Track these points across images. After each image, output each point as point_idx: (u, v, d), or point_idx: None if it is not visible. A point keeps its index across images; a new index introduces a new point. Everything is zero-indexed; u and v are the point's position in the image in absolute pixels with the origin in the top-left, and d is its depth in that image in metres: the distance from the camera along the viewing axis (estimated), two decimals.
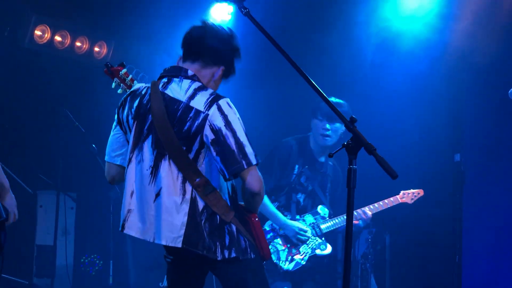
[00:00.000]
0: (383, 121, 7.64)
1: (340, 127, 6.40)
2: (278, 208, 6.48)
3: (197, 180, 3.68)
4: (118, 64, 4.48)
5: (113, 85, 4.50)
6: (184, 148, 3.70)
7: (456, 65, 7.38)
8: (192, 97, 3.73)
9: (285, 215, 6.47)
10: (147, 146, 3.79)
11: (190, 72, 3.83)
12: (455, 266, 7.18)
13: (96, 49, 8.39)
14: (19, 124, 7.74)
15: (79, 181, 8.52)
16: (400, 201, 6.79)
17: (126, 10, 7.99)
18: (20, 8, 7.60)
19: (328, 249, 6.59)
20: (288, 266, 6.42)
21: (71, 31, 8.08)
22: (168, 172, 3.72)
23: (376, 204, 6.65)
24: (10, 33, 7.59)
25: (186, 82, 3.79)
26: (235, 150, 3.63)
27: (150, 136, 3.79)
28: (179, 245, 3.68)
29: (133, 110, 3.86)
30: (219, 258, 3.73)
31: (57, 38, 7.98)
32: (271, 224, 6.48)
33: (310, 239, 6.50)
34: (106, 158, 4.07)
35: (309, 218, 6.59)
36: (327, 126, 6.39)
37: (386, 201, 6.73)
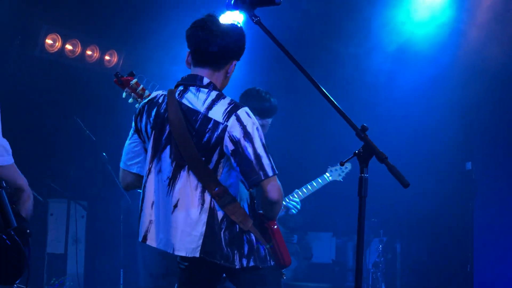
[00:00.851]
0: (394, 129, 7.62)
1: (270, 122, 6.11)
2: None
3: (216, 189, 3.67)
4: (127, 74, 4.45)
5: (124, 94, 4.48)
6: (204, 159, 3.69)
7: (467, 73, 7.36)
8: (210, 107, 3.69)
9: None
10: (165, 156, 3.77)
11: (205, 80, 3.78)
12: (467, 275, 7.15)
13: (107, 57, 8.41)
14: (30, 132, 7.76)
15: (89, 190, 8.53)
16: (329, 180, 6.30)
17: (137, 19, 8.02)
18: (31, 18, 7.63)
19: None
20: None
21: (82, 40, 8.11)
22: (187, 182, 3.70)
23: (304, 189, 6.17)
24: (21, 42, 7.62)
25: (204, 92, 3.75)
26: (253, 161, 3.61)
27: (168, 147, 3.76)
28: (197, 255, 3.67)
29: (151, 119, 3.83)
30: (237, 267, 3.71)
31: (68, 47, 8.02)
32: None
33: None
34: (122, 165, 4.03)
35: None
36: (259, 121, 6.01)
37: (314, 183, 6.25)
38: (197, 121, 3.68)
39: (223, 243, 3.67)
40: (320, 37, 8.09)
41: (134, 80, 4.41)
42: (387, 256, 7.57)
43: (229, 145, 3.64)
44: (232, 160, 3.65)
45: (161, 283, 7.52)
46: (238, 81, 7.30)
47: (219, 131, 3.65)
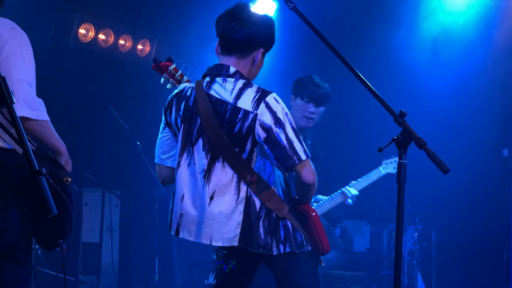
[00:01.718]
0: (432, 116, 7.54)
1: (323, 110, 6.07)
2: None
3: (249, 177, 3.67)
4: (166, 59, 4.43)
5: (162, 80, 4.46)
6: (237, 149, 3.68)
7: (504, 59, 7.26)
8: (238, 97, 3.69)
9: None
10: (198, 149, 3.76)
11: (232, 69, 3.78)
12: (504, 263, 7.07)
13: (139, 46, 8.42)
14: (64, 122, 7.78)
15: (123, 179, 8.57)
16: (384, 172, 6.32)
17: (169, 8, 8.01)
18: (64, 8, 7.67)
19: None
20: None
21: (115, 29, 8.13)
22: (222, 174, 3.70)
23: (361, 181, 6.24)
24: (55, 32, 7.66)
25: (230, 81, 3.74)
26: (287, 146, 3.62)
27: (201, 139, 3.76)
28: (236, 244, 3.68)
29: (181, 112, 3.83)
30: (274, 253, 3.72)
31: (101, 36, 8.04)
32: None
33: None
34: (156, 160, 4.05)
35: None
36: (313, 109, 5.91)
37: (370, 176, 6.30)
38: (226, 112, 3.68)
39: (261, 231, 3.68)
40: (357, 23, 8.03)
41: (173, 66, 4.39)
42: (422, 244, 7.52)
43: (261, 133, 3.64)
44: (266, 147, 3.66)
45: (196, 271, 7.55)
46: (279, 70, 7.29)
47: (250, 120, 3.65)
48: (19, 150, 3.10)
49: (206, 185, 3.72)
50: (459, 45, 7.48)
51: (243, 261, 3.94)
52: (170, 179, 4.02)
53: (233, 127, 3.67)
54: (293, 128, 3.68)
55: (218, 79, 3.78)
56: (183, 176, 3.82)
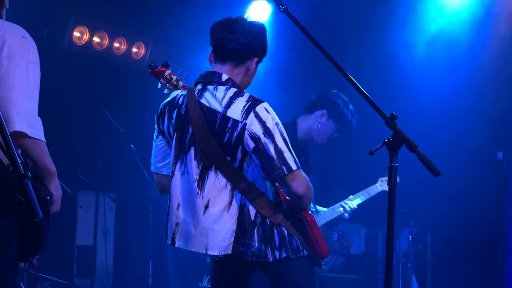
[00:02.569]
0: (426, 118, 7.54)
1: (336, 136, 6.09)
2: None
3: (242, 185, 3.66)
4: (161, 65, 4.43)
5: (159, 85, 4.46)
6: (228, 158, 3.67)
7: (499, 61, 7.26)
8: (228, 106, 3.67)
9: None
10: (190, 158, 3.75)
11: (224, 77, 3.76)
12: (498, 266, 7.07)
13: (134, 49, 8.41)
14: (58, 125, 7.78)
15: (118, 182, 8.56)
16: (380, 189, 6.26)
17: (164, 11, 8.00)
18: (59, 10, 7.66)
19: None
20: None
21: (109, 32, 8.12)
22: (215, 182, 3.69)
23: (358, 198, 6.18)
24: (49, 34, 7.65)
25: (221, 90, 3.72)
26: (274, 157, 3.59)
27: (193, 148, 3.74)
28: (230, 252, 3.67)
29: (173, 120, 3.82)
30: (270, 260, 3.71)
31: (96, 39, 8.04)
32: None
33: None
34: (152, 169, 4.04)
35: None
36: (336, 134, 5.95)
37: (366, 192, 6.24)
38: (216, 122, 3.67)
39: (256, 239, 3.66)
40: (350, 25, 8.02)
41: (168, 71, 4.39)
42: (417, 247, 7.52)
43: (249, 143, 3.63)
44: (254, 157, 3.65)
45: (190, 274, 7.54)
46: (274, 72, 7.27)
47: (239, 129, 3.64)
48: (6, 162, 3.10)
49: (200, 194, 3.71)
50: (453, 48, 7.47)
51: (237, 267, 3.94)
52: (168, 188, 4.01)
53: (223, 136, 3.66)
54: (283, 139, 3.65)
55: (210, 87, 3.76)
56: (178, 185, 3.80)
